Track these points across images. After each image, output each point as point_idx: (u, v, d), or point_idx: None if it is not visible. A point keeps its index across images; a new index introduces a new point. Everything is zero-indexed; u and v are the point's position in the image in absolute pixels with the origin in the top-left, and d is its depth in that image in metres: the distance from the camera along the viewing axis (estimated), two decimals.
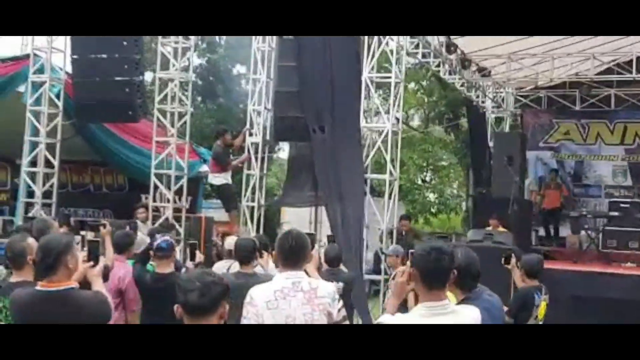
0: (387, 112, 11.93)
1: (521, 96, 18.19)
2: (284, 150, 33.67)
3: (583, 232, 15.11)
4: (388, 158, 11.82)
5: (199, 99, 28.69)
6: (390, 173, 11.87)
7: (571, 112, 17.53)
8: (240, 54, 25.58)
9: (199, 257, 7.40)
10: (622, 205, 14.91)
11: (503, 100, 18.04)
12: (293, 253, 4.46)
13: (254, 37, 13.25)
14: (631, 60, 15.14)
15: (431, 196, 30.50)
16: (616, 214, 14.50)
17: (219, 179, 12.81)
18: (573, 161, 17.53)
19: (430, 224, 29.98)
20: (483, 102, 17.74)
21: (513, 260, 7.42)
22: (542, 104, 17.98)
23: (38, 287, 4.07)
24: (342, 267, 8.15)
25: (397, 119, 12.14)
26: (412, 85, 27.45)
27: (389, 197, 11.85)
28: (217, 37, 28.08)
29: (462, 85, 16.56)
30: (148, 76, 17.12)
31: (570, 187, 17.36)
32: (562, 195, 15.90)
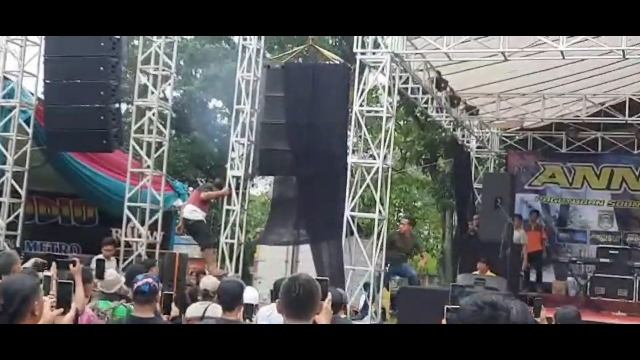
0: (378, 148, 11.23)
1: (506, 137, 17.74)
2: (256, 187, 33.58)
3: (570, 278, 14.54)
4: (377, 197, 11.12)
5: (173, 132, 28.00)
6: (380, 212, 11.16)
7: (557, 154, 17.10)
8: (217, 86, 25.03)
9: (175, 310, 6.62)
10: (610, 251, 14.46)
11: (488, 140, 17.52)
12: (300, 302, 3.78)
13: (238, 66, 12.62)
14: (620, 103, 14.85)
15: None
16: (606, 260, 14.01)
17: (196, 213, 11.97)
18: (558, 205, 17.03)
19: None
20: (468, 141, 17.25)
21: (543, 312, 6.56)
22: (528, 145, 17.51)
23: None
24: (341, 314, 7.35)
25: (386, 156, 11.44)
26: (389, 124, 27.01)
27: (377, 237, 11.12)
28: (193, 70, 27.48)
29: (448, 124, 15.99)
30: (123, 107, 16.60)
31: (555, 231, 16.86)
32: (541, 238, 15.34)
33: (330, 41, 21.33)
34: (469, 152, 17.31)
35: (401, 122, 27.46)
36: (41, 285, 3.85)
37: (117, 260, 11.64)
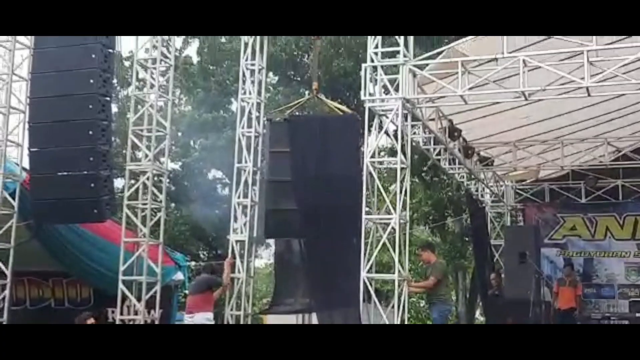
0: (392, 203, 10.20)
1: (521, 190, 16.76)
2: (260, 257, 32.60)
3: None
4: (396, 255, 9.99)
5: (172, 205, 27.27)
6: (399, 272, 10.01)
7: (577, 205, 16.09)
8: (216, 156, 24.31)
9: None
10: None
11: (503, 194, 16.54)
12: None
13: (238, 121, 11.77)
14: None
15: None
16: None
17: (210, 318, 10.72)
18: (582, 258, 15.90)
19: None
20: (482, 196, 16.30)
21: None
22: (545, 197, 16.52)
23: None
24: None
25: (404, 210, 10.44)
26: (392, 187, 26.45)
27: (398, 301, 9.94)
28: (191, 141, 26.84)
29: (461, 177, 15.06)
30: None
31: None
32: (576, 295, 14.09)
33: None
34: (484, 207, 16.32)
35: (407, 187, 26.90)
36: None
37: None
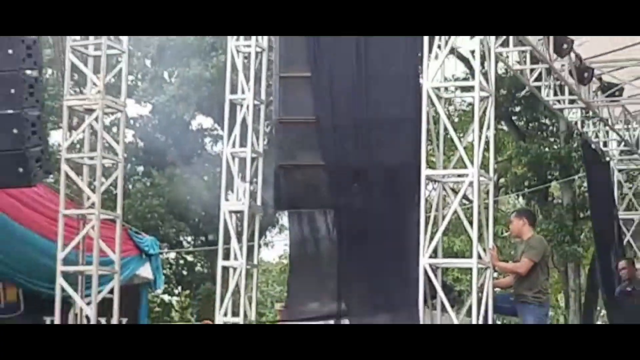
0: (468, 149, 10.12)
1: None
2: (271, 247, 32.78)
3: None
4: (474, 234, 9.85)
5: (140, 169, 27.57)
6: (479, 256, 9.89)
7: None
8: (203, 94, 24.42)
9: None
10: None
11: (638, 143, 16.31)
12: None
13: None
14: None
15: None
16: None
17: None
18: None
19: None
20: (606, 144, 16.19)
21: None
22: None
23: None
24: None
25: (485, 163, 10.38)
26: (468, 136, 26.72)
27: (478, 302, 9.83)
28: (165, 72, 27.02)
29: (573, 116, 14.81)
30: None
31: None
32: None
33: None
34: (608, 162, 16.19)
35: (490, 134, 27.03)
36: None
37: None
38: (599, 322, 26.30)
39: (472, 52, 10.58)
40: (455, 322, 10.06)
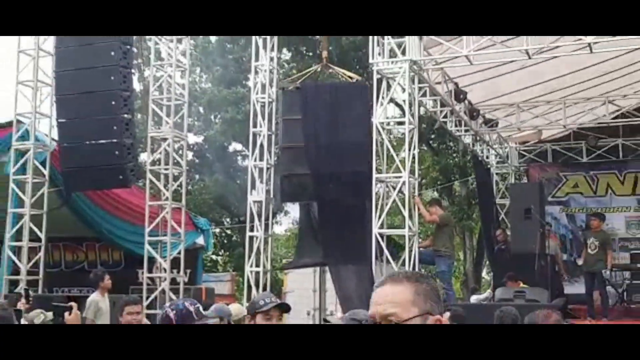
0: (401, 161, 9.98)
1: (525, 151, 16.41)
2: (280, 224, 32.51)
3: (608, 287, 13.04)
4: (406, 212, 9.79)
5: (197, 176, 27.26)
6: (409, 228, 9.79)
7: (578, 164, 15.76)
8: (235, 129, 24.12)
9: None
10: None
11: (507, 156, 16.20)
12: None
13: (252, 87, 11.55)
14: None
15: None
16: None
17: None
18: (584, 214, 15.52)
19: None
20: (487, 157, 15.94)
21: None
22: (548, 157, 16.16)
23: None
24: None
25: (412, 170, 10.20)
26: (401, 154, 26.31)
27: (409, 254, 9.74)
28: (212, 116, 26.62)
29: (467, 138, 14.62)
30: None
31: (582, 241, 15.35)
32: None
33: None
34: (489, 168, 15.99)
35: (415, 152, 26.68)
36: None
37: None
38: (485, 269, 26.19)
39: (404, 100, 10.33)
40: (395, 269, 9.99)
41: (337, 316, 11.45)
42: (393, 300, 1.93)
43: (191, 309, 3.60)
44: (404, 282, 2.00)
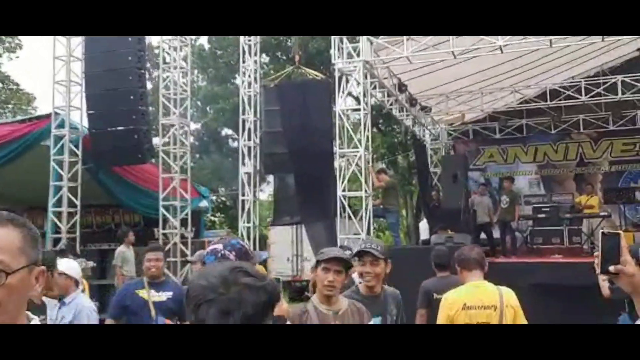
0: (358, 140, 10.06)
1: (452, 130, 16.58)
2: (264, 192, 32.53)
3: (516, 233, 13.29)
4: (362, 178, 9.91)
5: (197, 155, 27.08)
6: (365, 191, 9.93)
7: (493, 139, 15.98)
8: (226, 118, 23.98)
9: None
10: (543, 209, 13.26)
11: (439, 135, 16.36)
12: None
13: (240, 84, 11.49)
14: (542, 94, 13.93)
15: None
16: (541, 216, 12.85)
17: None
18: (497, 178, 15.79)
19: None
20: (423, 136, 16.01)
21: None
22: (469, 135, 16.34)
23: None
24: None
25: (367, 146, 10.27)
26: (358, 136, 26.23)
27: (365, 210, 9.89)
28: (207, 107, 26.38)
29: (408, 122, 14.65)
30: None
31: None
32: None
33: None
34: (425, 144, 16.09)
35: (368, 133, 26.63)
36: None
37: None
38: (422, 222, 26.47)
39: (359, 92, 10.36)
40: (356, 225, 10.07)
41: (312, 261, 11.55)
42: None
43: (246, 246, 2.67)
44: (10, 226, 1.37)
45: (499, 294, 3.91)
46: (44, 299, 4.03)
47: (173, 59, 11.53)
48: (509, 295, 3.98)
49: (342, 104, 10.52)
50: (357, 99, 14.79)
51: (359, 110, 10.40)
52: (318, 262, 3.06)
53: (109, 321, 4.92)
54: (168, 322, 4.72)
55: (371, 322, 3.27)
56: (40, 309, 3.78)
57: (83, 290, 4.63)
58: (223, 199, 28.20)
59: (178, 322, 4.94)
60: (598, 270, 1.80)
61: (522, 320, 3.95)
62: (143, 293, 4.85)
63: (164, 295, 4.84)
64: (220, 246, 2.47)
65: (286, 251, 15.96)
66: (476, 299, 3.85)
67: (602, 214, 12.28)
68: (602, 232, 1.80)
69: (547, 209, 13.14)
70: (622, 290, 1.78)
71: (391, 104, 12.98)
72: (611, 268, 1.74)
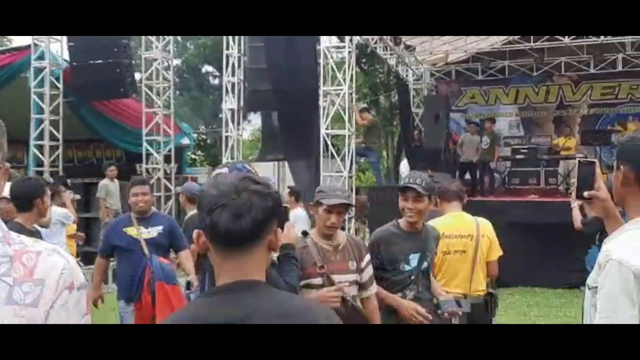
0: (344, 77, 10.06)
1: (436, 71, 16.53)
2: (246, 130, 32.36)
3: (495, 174, 13.55)
4: (346, 117, 9.98)
5: (177, 92, 26.70)
6: (348, 129, 10.03)
7: (475, 81, 15.97)
8: (207, 53, 23.60)
9: None
10: (521, 150, 13.52)
11: (421, 75, 16.33)
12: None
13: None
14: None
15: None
16: (519, 157, 13.11)
17: None
18: (478, 119, 15.86)
19: (359, 179, 28.51)
20: (406, 76, 15.95)
21: None
22: (452, 76, 16.34)
23: None
24: None
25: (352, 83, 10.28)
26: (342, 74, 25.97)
27: (348, 149, 10.01)
28: (187, 43, 25.87)
29: (392, 60, 14.64)
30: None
31: None
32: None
33: None
34: (407, 85, 16.06)
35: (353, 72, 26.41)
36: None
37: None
38: (402, 163, 26.67)
39: None
40: (338, 162, 10.16)
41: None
42: None
43: (252, 170, 2.51)
44: None
45: (476, 224, 4.12)
46: (36, 226, 4.11)
47: None
48: (486, 227, 4.20)
49: (326, 41, 10.42)
50: (341, 38, 14.64)
51: (343, 48, 10.28)
52: (319, 203, 2.95)
53: (98, 258, 4.93)
54: (162, 259, 4.64)
55: (410, 257, 3.33)
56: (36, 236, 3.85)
57: None
58: (204, 136, 28.07)
59: (172, 257, 4.96)
60: (573, 196, 1.96)
61: (496, 249, 4.19)
62: (132, 231, 4.68)
63: (154, 231, 4.71)
64: (226, 169, 2.51)
65: None
66: (454, 228, 4.04)
67: (578, 155, 12.56)
68: (579, 161, 1.95)
69: (525, 151, 13.39)
70: (593, 224, 1.92)
71: (375, 43, 12.89)
72: (585, 193, 1.89)
